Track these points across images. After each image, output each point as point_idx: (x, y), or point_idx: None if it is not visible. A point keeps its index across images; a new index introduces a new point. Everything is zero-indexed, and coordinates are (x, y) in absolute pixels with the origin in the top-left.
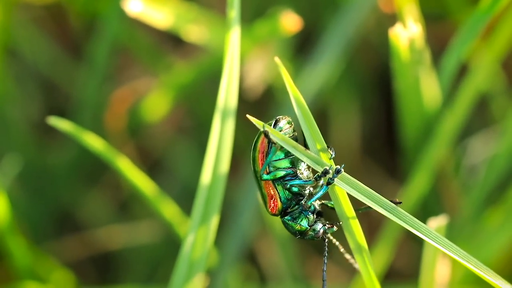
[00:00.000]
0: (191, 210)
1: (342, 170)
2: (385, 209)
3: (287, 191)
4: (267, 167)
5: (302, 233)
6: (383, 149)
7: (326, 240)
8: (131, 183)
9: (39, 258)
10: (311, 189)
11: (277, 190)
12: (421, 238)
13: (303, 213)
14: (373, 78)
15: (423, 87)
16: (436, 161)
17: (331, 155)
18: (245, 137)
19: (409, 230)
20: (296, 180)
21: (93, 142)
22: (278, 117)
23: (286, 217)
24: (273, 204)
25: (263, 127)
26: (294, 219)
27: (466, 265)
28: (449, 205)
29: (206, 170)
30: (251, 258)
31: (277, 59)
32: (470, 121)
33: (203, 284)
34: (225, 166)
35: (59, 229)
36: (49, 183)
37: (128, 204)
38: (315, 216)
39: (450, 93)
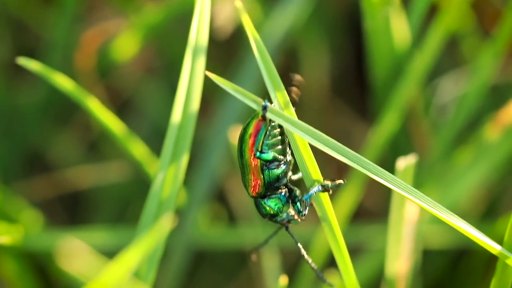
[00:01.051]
0: (160, 149)
1: (268, 105)
2: (348, 158)
3: (271, 176)
4: (259, 145)
5: (272, 216)
6: (352, 89)
7: (287, 229)
8: (101, 123)
9: (8, 198)
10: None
11: (263, 174)
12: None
13: (279, 198)
14: (343, 18)
15: (393, 27)
16: (405, 101)
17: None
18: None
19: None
20: (282, 167)
21: (63, 82)
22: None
23: (264, 199)
24: (254, 185)
25: (265, 101)
26: (273, 201)
27: (431, 210)
28: (419, 144)
29: (176, 109)
30: (220, 198)
31: (238, 3)
32: (440, 61)
33: (172, 223)
34: (195, 105)
35: (28, 170)
36: (18, 123)
37: (98, 145)
38: (289, 203)
39: (420, 33)
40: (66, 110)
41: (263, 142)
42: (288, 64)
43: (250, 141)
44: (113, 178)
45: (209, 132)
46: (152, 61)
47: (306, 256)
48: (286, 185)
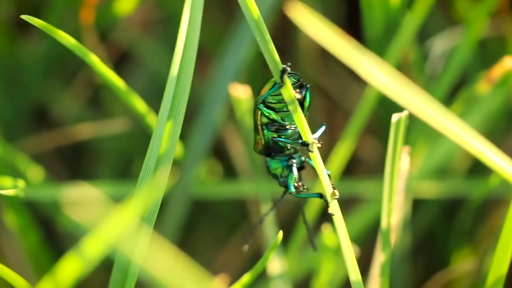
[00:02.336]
0: (159, 103)
1: (288, 69)
2: None
3: (269, 136)
4: (265, 98)
5: (276, 177)
6: None
7: (292, 193)
8: (101, 77)
9: (11, 153)
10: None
11: (263, 132)
12: (385, 133)
13: (285, 161)
14: None
15: None
16: (399, 59)
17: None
18: (210, 33)
19: (373, 126)
20: (282, 133)
21: (65, 37)
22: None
23: (268, 158)
24: (257, 142)
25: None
26: (274, 162)
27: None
28: None
29: (174, 63)
30: (218, 154)
31: None
32: (434, 21)
33: (171, 176)
34: (193, 59)
35: (31, 125)
36: (22, 79)
37: (100, 100)
38: (293, 170)
39: None
40: (69, 67)
41: (269, 97)
42: (282, 25)
43: (259, 96)
44: (115, 132)
45: (210, 87)
46: (150, 15)
47: (306, 220)
48: (290, 154)
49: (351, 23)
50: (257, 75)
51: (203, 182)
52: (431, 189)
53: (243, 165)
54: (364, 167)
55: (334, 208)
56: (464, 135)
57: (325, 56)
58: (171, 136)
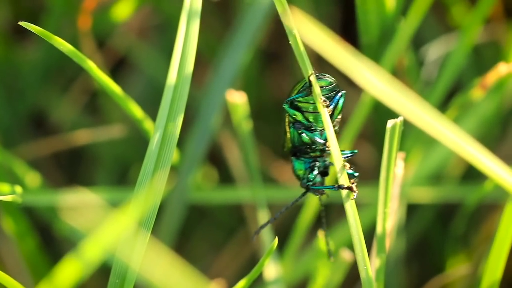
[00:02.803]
0: (157, 109)
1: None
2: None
3: (298, 136)
4: (293, 99)
5: (298, 178)
6: None
7: (317, 195)
8: (99, 83)
9: (8, 159)
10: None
11: (289, 131)
12: (380, 139)
13: (308, 163)
14: None
15: None
16: (394, 65)
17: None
18: (207, 40)
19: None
20: (305, 131)
21: (62, 43)
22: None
23: (294, 157)
24: (285, 141)
25: (311, 74)
26: (298, 162)
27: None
28: None
29: (172, 69)
30: (215, 160)
31: None
32: (430, 28)
33: (168, 182)
34: (190, 65)
35: (28, 131)
36: (19, 86)
37: (98, 107)
38: (317, 172)
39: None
40: (66, 73)
41: (296, 97)
42: (278, 30)
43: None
44: (112, 138)
45: (206, 94)
46: (147, 21)
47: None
48: (315, 157)
49: (346, 29)
50: (253, 81)
51: (200, 187)
52: (425, 195)
53: (240, 171)
54: (359, 172)
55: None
56: (459, 141)
57: (320, 62)
58: (168, 142)
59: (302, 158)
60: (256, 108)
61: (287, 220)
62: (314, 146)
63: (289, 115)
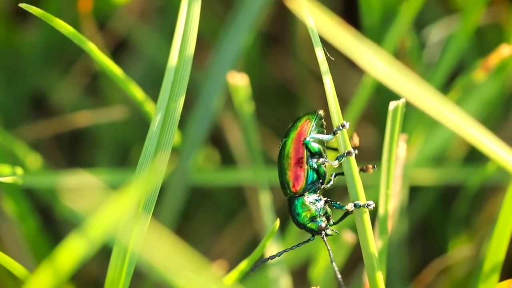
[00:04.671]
0: (156, 91)
1: (347, 125)
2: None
3: (314, 171)
4: (307, 134)
5: (303, 223)
6: None
7: (324, 239)
8: (100, 65)
9: (9, 141)
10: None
11: (306, 169)
12: (382, 121)
13: (317, 200)
14: None
15: None
16: (396, 47)
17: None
18: (208, 22)
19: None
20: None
21: (63, 25)
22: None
23: (299, 200)
24: (298, 179)
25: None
26: (304, 205)
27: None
28: None
29: (173, 51)
30: (216, 142)
31: None
32: (432, 11)
33: (169, 163)
34: (192, 47)
35: (29, 113)
36: (21, 68)
37: (99, 89)
38: (325, 208)
39: None
40: (67, 55)
41: (310, 132)
42: (279, 13)
43: (297, 131)
44: (113, 120)
45: (208, 75)
46: (148, 3)
47: (334, 266)
48: (320, 194)
49: (348, 11)
50: (255, 63)
51: (201, 169)
52: (428, 176)
53: (241, 152)
54: (361, 154)
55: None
56: (461, 123)
57: (322, 44)
58: (169, 123)
59: (313, 197)
60: (257, 90)
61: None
62: (324, 181)
63: (310, 150)
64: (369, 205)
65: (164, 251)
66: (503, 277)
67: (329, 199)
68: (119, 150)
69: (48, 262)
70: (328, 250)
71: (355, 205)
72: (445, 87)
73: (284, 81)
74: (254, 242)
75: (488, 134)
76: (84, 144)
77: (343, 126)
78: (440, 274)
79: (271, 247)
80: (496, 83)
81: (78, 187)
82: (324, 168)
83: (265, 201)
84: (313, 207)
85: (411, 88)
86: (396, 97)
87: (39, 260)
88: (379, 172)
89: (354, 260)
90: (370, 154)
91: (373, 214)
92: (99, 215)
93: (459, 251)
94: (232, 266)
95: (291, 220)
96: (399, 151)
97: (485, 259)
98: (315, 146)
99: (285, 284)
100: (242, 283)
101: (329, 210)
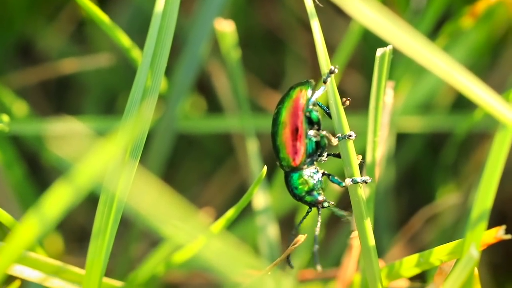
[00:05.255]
0: (142, 38)
1: (336, 70)
2: None
3: (312, 143)
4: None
5: (301, 196)
6: None
7: (319, 210)
8: (86, 11)
9: None
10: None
11: (305, 141)
12: (369, 68)
13: (315, 173)
14: None
15: None
16: None
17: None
18: None
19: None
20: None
21: None
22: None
23: (296, 174)
24: (297, 153)
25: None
26: (301, 178)
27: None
28: None
29: None
30: (203, 89)
31: None
32: None
33: (156, 110)
34: None
35: (15, 60)
36: (7, 15)
37: (85, 35)
38: (319, 188)
39: None
40: (53, 1)
41: (309, 102)
42: None
43: (293, 103)
44: (100, 67)
45: (195, 22)
46: None
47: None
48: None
49: None
50: (242, 10)
51: (188, 116)
52: (415, 124)
53: (228, 99)
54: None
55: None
56: (449, 69)
57: None
58: (156, 70)
59: (311, 170)
60: (244, 36)
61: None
62: (322, 153)
63: (311, 119)
64: (367, 181)
65: (151, 198)
66: (491, 225)
67: (326, 172)
68: (106, 97)
69: (35, 210)
70: (318, 221)
71: (352, 181)
72: (433, 34)
73: (271, 27)
74: (241, 189)
75: (475, 80)
76: (70, 91)
77: (331, 72)
78: (427, 222)
79: (258, 195)
80: (484, 30)
81: (64, 134)
82: (325, 140)
83: (252, 148)
84: (311, 181)
85: (398, 34)
86: (383, 43)
87: (26, 208)
88: (366, 119)
89: (343, 208)
90: (357, 101)
91: (360, 162)
92: (85, 162)
93: (446, 199)
94: (219, 213)
95: (288, 191)
96: (386, 98)
97: (473, 207)
98: (315, 114)
99: (273, 232)
100: (230, 231)
101: (324, 182)
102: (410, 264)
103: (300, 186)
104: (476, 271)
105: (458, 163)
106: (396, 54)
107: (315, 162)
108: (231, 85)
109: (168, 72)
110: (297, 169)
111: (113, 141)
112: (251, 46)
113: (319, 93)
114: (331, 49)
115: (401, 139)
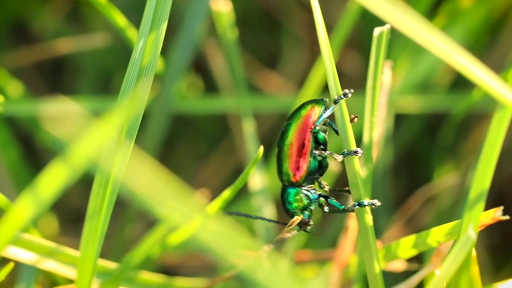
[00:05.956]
0: (138, 17)
1: (349, 94)
2: None
3: (315, 162)
4: (318, 123)
5: (292, 212)
6: None
7: (300, 230)
8: None
9: None
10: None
11: (309, 159)
12: (367, 47)
13: (312, 193)
14: None
15: None
16: None
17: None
18: None
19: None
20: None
21: None
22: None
23: (294, 190)
24: (299, 169)
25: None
26: (298, 195)
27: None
28: None
29: None
30: (199, 69)
31: None
32: None
33: (152, 89)
34: None
35: (10, 40)
36: None
37: (81, 15)
38: (317, 203)
39: None
40: None
41: (318, 122)
42: None
43: (303, 118)
44: (95, 47)
45: (191, 1)
46: None
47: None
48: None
49: None
50: None
51: (184, 96)
52: (413, 104)
53: (224, 79)
54: (346, 81)
55: None
56: (447, 49)
57: None
58: (152, 50)
59: (309, 189)
60: (241, 16)
61: (272, 129)
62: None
63: (316, 139)
64: (374, 204)
65: (147, 179)
66: (488, 206)
67: (323, 194)
68: (101, 77)
69: (29, 191)
70: (289, 234)
71: (359, 204)
72: (431, 13)
73: (268, 7)
74: (237, 170)
75: (474, 61)
76: (66, 71)
77: (345, 95)
78: (425, 203)
79: (254, 175)
80: (482, 10)
81: (60, 114)
82: (328, 161)
83: (249, 129)
84: (305, 199)
85: (396, 13)
86: (381, 23)
87: (20, 190)
88: (363, 100)
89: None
90: (355, 81)
91: (358, 141)
92: (81, 143)
93: (444, 179)
94: (215, 194)
95: (281, 203)
96: (384, 78)
97: (471, 188)
98: (322, 135)
99: (269, 213)
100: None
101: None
102: (407, 245)
103: (294, 203)
104: (474, 252)
105: (456, 143)
106: (394, 33)
107: (315, 182)
108: (227, 65)
109: (164, 52)
110: (296, 184)
111: (109, 121)
112: (248, 25)
113: (328, 112)
114: (329, 29)
115: (399, 119)
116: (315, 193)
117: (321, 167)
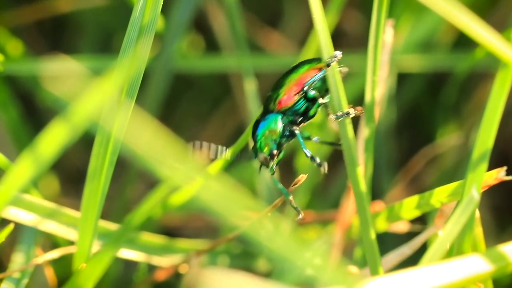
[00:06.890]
0: None
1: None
2: None
3: (306, 103)
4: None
5: (259, 139)
6: None
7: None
8: None
9: None
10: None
11: (301, 96)
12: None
13: (284, 130)
14: None
15: None
16: None
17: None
18: None
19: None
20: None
21: None
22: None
23: (274, 116)
24: (283, 100)
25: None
26: (275, 123)
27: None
28: None
29: None
30: (201, 28)
31: None
32: None
33: (153, 48)
34: None
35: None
36: None
37: None
38: (281, 145)
39: None
40: None
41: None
42: None
43: (301, 77)
44: (96, 5)
45: None
46: None
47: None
48: (293, 130)
49: None
50: None
51: (185, 55)
52: (416, 63)
53: (226, 38)
54: (348, 40)
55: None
56: (449, 7)
57: None
58: (152, 8)
59: (287, 124)
60: None
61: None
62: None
63: (316, 88)
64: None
65: (148, 139)
66: (492, 166)
67: (303, 134)
68: (102, 36)
69: (29, 151)
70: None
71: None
72: None
73: None
74: (239, 130)
75: (476, 19)
76: (66, 30)
77: (335, 56)
78: (428, 163)
79: None
80: None
81: (60, 73)
82: (316, 111)
83: (250, 89)
84: (279, 130)
85: None
86: None
87: (21, 149)
88: (365, 59)
89: (339, 152)
90: (356, 40)
91: (360, 101)
92: (81, 102)
93: (447, 139)
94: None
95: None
96: (386, 37)
97: (474, 148)
98: (312, 93)
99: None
100: (228, 172)
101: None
102: (410, 206)
103: (267, 130)
104: (477, 213)
105: (459, 102)
106: None
107: (294, 122)
108: (228, 23)
109: (165, 10)
110: (278, 112)
111: (109, 80)
112: None
113: (320, 75)
114: None
115: (402, 78)
116: (294, 130)
117: (306, 112)
